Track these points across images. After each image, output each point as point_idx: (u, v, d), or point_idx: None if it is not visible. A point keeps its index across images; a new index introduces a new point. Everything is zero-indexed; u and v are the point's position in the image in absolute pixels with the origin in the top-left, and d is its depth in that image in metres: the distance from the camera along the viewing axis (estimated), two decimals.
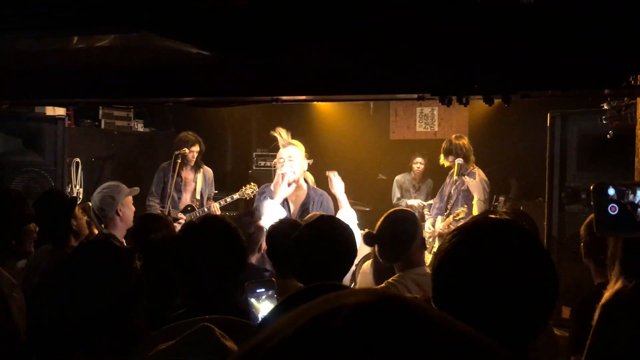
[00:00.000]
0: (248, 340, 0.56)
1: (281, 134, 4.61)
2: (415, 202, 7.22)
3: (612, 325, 2.09)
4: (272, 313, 0.77)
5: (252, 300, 1.82)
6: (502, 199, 7.28)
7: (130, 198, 4.21)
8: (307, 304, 0.57)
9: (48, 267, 3.16)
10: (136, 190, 4.32)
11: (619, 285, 2.13)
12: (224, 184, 7.31)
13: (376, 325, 0.52)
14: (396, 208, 3.42)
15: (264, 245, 3.93)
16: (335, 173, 4.55)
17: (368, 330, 0.52)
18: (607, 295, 2.16)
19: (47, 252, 3.31)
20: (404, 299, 0.56)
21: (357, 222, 4.37)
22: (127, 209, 4.16)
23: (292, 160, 4.51)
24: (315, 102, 7.63)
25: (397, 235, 2.99)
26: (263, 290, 1.84)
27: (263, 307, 1.81)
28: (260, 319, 1.78)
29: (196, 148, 6.31)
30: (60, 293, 2.15)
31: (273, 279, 1.99)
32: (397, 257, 3.00)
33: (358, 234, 4.08)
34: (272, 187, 4.57)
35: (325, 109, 8.47)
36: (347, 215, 4.28)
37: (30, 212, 3.07)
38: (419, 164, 7.65)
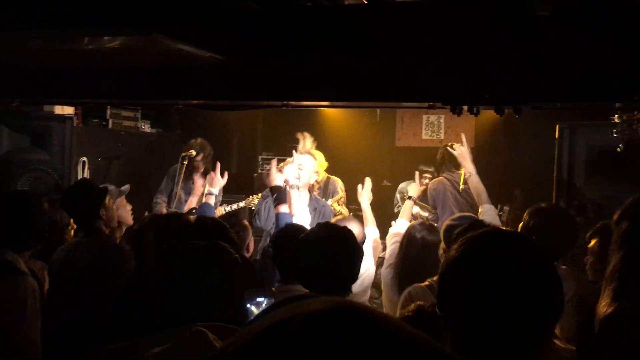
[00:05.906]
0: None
1: (305, 142, 4.68)
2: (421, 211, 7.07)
3: (608, 348, 2.08)
4: (254, 321, 0.80)
5: (252, 307, 1.82)
6: (506, 209, 7.24)
7: (121, 199, 4.05)
8: (272, 313, 0.59)
9: (92, 262, 3.03)
10: (125, 190, 4.11)
11: (612, 306, 2.11)
12: (228, 187, 7.29)
13: (326, 331, 0.54)
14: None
15: (251, 245, 3.98)
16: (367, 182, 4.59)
17: (317, 335, 0.54)
18: (602, 313, 2.13)
19: (83, 245, 3.18)
20: (359, 307, 0.58)
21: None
22: (122, 211, 4.05)
23: (301, 169, 4.57)
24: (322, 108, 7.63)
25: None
26: (263, 299, 1.84)
27: None
28: None
29: (199, 157, 6.29)
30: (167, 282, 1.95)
31: (273, 288, 1.98)
32: None
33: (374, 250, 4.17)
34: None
35: (332, 114, 8.47)
36: (371, 231, 4.36)
37: (48, 215, 3.16)
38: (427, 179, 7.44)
